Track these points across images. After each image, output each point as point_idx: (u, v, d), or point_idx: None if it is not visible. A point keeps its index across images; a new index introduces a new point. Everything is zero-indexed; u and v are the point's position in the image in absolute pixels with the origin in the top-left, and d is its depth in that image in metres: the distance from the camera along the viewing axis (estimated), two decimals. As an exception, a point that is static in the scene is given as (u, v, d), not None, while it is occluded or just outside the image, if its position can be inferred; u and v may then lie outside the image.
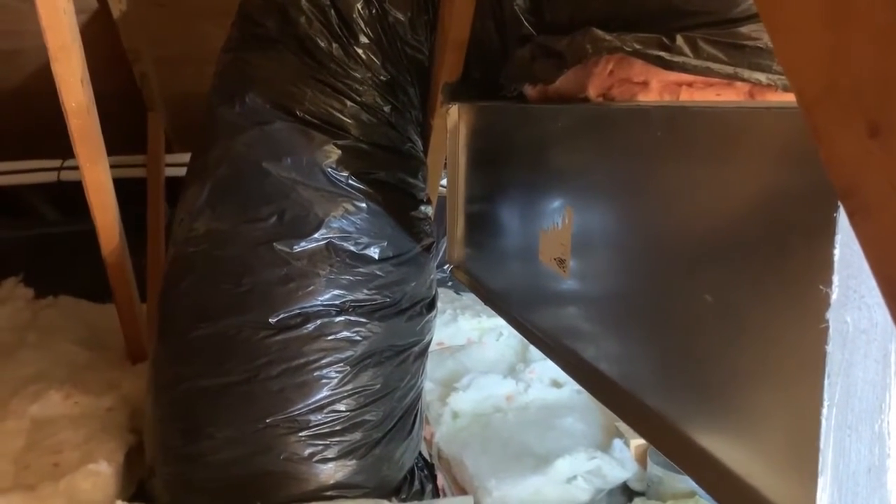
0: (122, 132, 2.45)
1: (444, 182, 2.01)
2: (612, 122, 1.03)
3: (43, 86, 1.88)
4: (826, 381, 0.63)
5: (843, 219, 0.61)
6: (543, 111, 1.24)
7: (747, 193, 0.75)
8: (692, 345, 0.85)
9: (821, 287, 0.63)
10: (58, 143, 2.10)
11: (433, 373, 2.28)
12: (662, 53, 0.97)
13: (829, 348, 0.63)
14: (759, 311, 0.72)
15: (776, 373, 0.71)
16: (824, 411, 0.64)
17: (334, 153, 1.56)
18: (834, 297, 0.62)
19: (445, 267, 2.89)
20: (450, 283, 3.10)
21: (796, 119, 0.69)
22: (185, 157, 1.91)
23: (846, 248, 0.62)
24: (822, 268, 0.63)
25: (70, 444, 1.75)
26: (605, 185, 1.05)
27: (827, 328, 0.63)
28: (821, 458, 0.65)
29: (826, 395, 0.64)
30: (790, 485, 0.70)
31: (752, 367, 0.74)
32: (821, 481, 0.65)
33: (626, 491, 1.86)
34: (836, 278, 0.62)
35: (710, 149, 0.80)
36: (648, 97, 1.02)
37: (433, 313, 1.75)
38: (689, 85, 1.00)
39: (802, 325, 0.66)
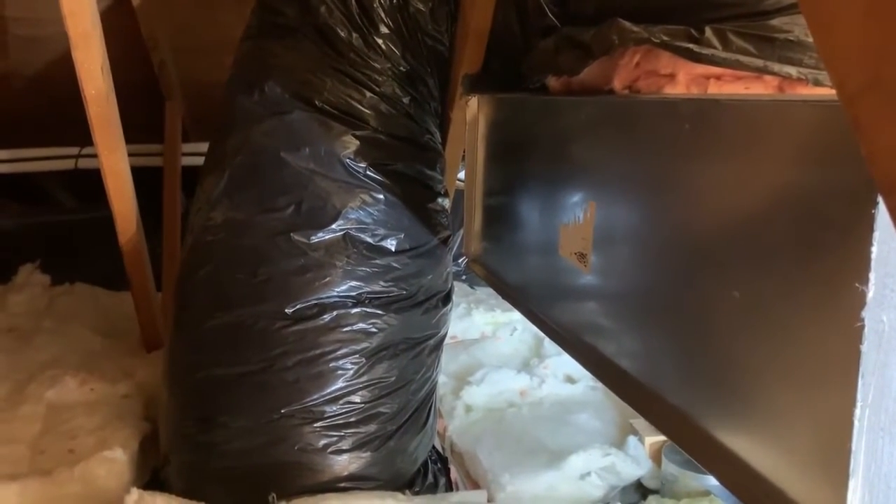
0: (139, 121, 2.46)
1: (461, 175, 2.00)
2: (638, 115, 1.01)
3: (61, 73, 1.89)
4: (860, 382, 0.62)
5: (881, 215, 0.59)
6: (566, 103, 1.23)
7: (779, 188, 0.73)
8: (718, 342, 0.83)
9: (857, 285, 0.61)
10: (75, 130, 2.11)
11: (447, 366, 2.28)
12: (691, 45, 0.95)
13: (864, 348, 0.61)
14: (790, 308, 0.70)
15: (806, 372, 0.69)
16: (857, 412, 0.63)
17: (353, 144, 1.55)
18: (870, 295, 0.61)
19: (460, 261, 2.89)
20: (464, 277, 3.09)
21: (832, 112, 0.67)
22: (202, 147, 1.91)
23: (884, 245, 0.60)
24: (859, 265, 0.61)
25: (85, 430, 1.75)
26: (630, 179, 1.03)
27: (862, 327, 0.61)
28: (852, 460, 0.63)
29: (859, 396, 0.62)
30: (819, 487, 0.69)
31: (780, 366, 0.73)
32: (851, 484, 0.64)
33: (641, 488, 1.85)
34: (872, 276, 0.60)
35: (740, 143, 0.79)
36: (675, 90, 1.01)
37: (449, 306, 1.74)
38: (718, 78, 0.98)
39: (836, 323, 0.64)
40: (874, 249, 0.60)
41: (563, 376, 2.26)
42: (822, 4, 0.53)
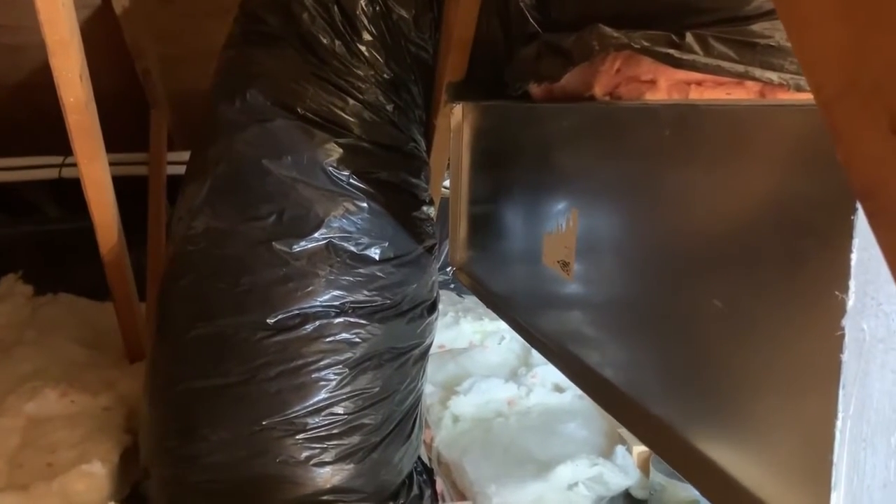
0: (124, 130, 2.44)
1: (446, 183, 1.99)
2: (619, 122, 1.00)
3: (45, 81, 1.86)
4: (841, 392, 0.61)
5: (861, 222, 0.58)
6: (548, 110, 1.22)
7: (759, 195, 0.72)
8: (700, 352, 0.82)
9: (836, 293, 0.60)
10: (59, 139, 2.08)
11: (434, 376, 2.26)
12: (672, 51, 0.94)
13: (845, 357, 0.60)
14: (771, 317, 0.69)
15: (787, 382, 0.68)
16: (838, 423, 0.61)
17: (336, 152, 1.54)
18: (850, 303, 0.60)
19: (448, 269, 2.88)
20: (452, 286, 3.07)
21: (812, 118, 0.66)
22: (187, 156, 1.89)
23: (864, 252, 0.59)
24: (839, 273, 0.60)
25: (65, 444, 1.72)
26: (611, 186, 1.02)
27: (842, 336, 0.60)
28: (834, 472, 0.62)
29: (841, 407, 0.61)
30: (801, 499, 0.68)
31: (761, 376, 0.72)
32: (834, 496, 0.62)
33: (629, 498, 1.83)
34: (852, 284, 0.59)
35: (720, 149, 0.78)
36: (656, 96, 1.00)
37: (434, 316, 1.72)
38: (699, 84, 0.97)
39: (816, 332, 0.63)
40: (854, 256, 0.59)
41: (551, 385, 2.24)
42: (797, 8, 0.52)
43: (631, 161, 0.96)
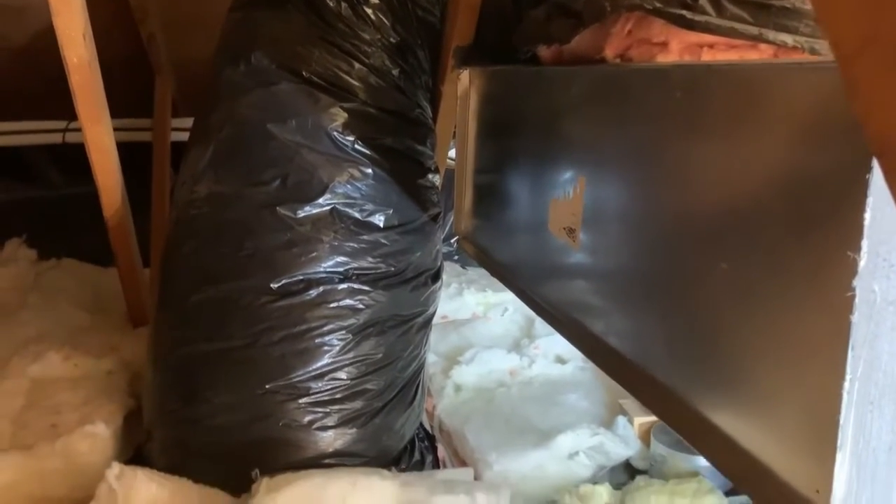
0: (128, 96, 2.42)
1: (451, 153, 1.97)
2: (629, 85, 0.98)
3: (49, 44, 1.85)
4: (850, 354, 0.60)
5: (875, 181, 0.57)
6: (557, 74, 1.20)
7: (772, 156, 0.71)
8: (706, 317, 0.81)
9: (848, 253, 0.59)
10: (63, 104, 2.07)
11: (436, 346, 2.26)
12: (684, 12, 0.92)
13: (855, 318, 0.59)
14: (779, 280, 0.68)
15: (795, 344, 0.67)
16: (846, 385, 0.61)
17: (341, 116, 1.52)
18: (862, 264, 0.59)
19: (452, 241, 2.87)
20: (456, 258, 3.07)
21: (826, 77, 0.65)
22: (192, 122, 1.88)
23: (877, 212, 0.58)
24: (851, 233, 0.59)
25: (69, 406, 1.73)
26: (620, 151, 1.01)
27: (853, 297, 0.59)
28: (840, 434, 0.62)
29: (849, 368, 0.60)
30: (805, 462, 0.67)
31: (769, 339, 0.71)
32: (839, 458, 0.62)
33: (629, 469, 1.84)
34: (865, 244, 0.58)
35: (733, 110, 0.76)
36: (668, 59, 0.98)
37: (438, 284, 1.72)
38: (711, 46, 0.96)
39: (826, 293, 0.62)
40: (867, 216, 0.58)
41: (553, 357, 2.25)
42: (818, -39, 0.50)
43: (641, 125, 0.94)
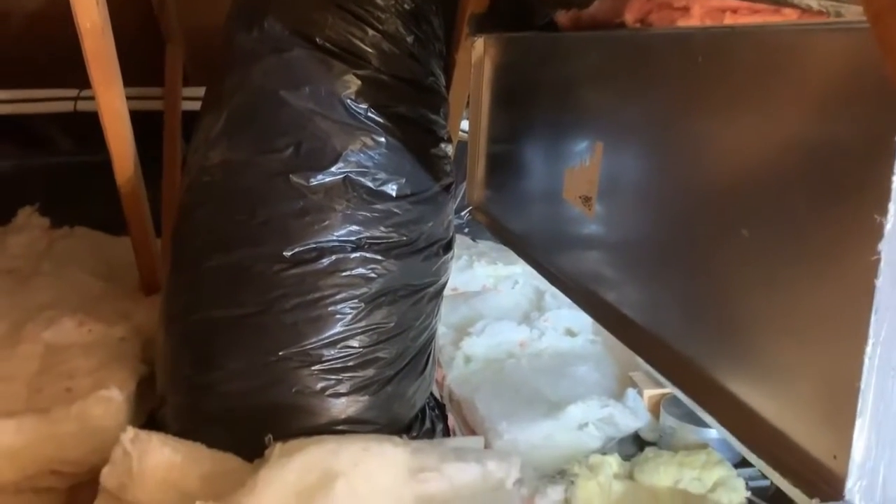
0: (139, 65, 2.40)
1: (464, 125, 1.95)
2: (650, 50, 0.97)
3: (60, 11, 1.83)
4: (873, 317, 0.59)
5: (905, 142, 0.56)
6: (576, 40, 1.18)
7: (797, 119, 0.70)
8: (725, 284, 0.81)
9: (875, 216, 0.58)
10: (75, 72, 2.06)
11: (447, 317, 2.26)
12: (708, -25, 0.91)
13: (879, 282, 0.59)
14: (803, 244, 0.68)
15: (816, 310, 0.67)
16: (868, 350, 0.60)
17: (354, 83, 1.51)
18: (888, 227, 0.58)
19: (462, 213, 2.86)
20: (466, 230, 3.06)
21: (854, 38, 0.63)
22: (203, 91, 1.87)
23: (906, 174, 0.57)
24: (879, 196, 0.58)
25: (83, 371, 1.75)
26: (640, 117, 1.00)
27: (878, 261, 0.59)
28: (860, 400, 0.61)
29: (872, 333, 0.60)
30: (823, 428, 0.67)
31: (789, 305, 0.71)
32: (858, 423, 0.62)
33: (638, 440, 1.85)
34: (892, 207, 0.58)
35: (756, 73, 0.75)
36: (689, 23, 0.96)
37: (450, 255, 1.72)
38: (734, 11, 0.94)
39: (850, 257, 0.62)
40: (895, 178, 0.57)
41: (563, 329, 2.24)
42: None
43: (661, 90, 0.93)
